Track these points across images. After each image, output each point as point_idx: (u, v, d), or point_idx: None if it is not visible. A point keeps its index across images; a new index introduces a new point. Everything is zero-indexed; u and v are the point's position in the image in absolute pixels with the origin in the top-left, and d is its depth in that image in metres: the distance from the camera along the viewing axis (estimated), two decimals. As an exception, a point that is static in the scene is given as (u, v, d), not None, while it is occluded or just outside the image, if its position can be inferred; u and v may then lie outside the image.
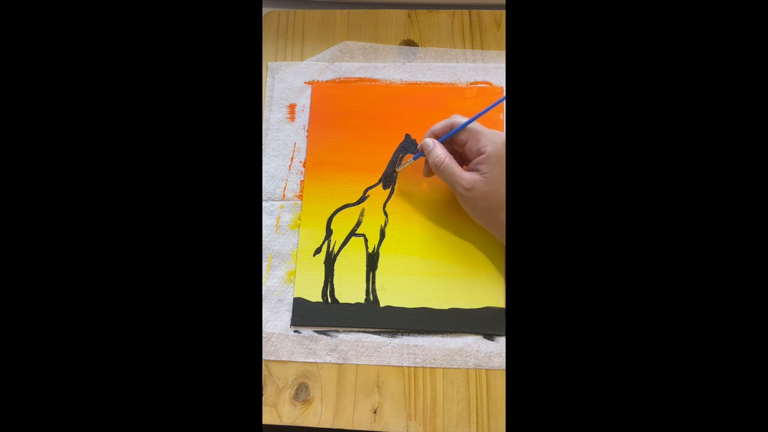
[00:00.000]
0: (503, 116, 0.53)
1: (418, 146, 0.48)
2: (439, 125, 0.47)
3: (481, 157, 0.44)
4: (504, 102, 0.50)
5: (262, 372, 0.46)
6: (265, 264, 0.49)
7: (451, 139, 0.47)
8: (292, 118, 0.54)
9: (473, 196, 0.44)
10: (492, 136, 0.44)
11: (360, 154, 0.52)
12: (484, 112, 0.45)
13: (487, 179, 0.43)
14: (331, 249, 0.49)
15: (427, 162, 0.48)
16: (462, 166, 0.45)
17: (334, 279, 0.48)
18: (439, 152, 0.46)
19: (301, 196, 0.51)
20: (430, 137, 0.48)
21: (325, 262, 0.49)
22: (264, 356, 0.46)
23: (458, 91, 0.54)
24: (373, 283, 0.48)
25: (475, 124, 0.45)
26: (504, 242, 0.46)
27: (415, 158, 0.49)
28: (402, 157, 0.51)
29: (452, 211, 0.48)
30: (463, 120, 0.45)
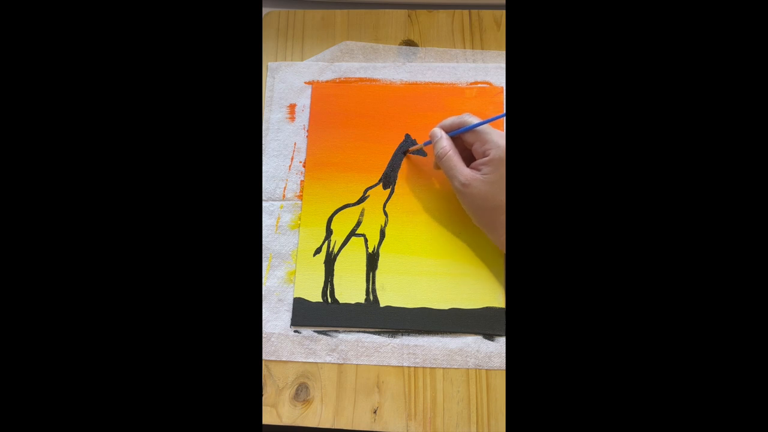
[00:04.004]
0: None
1: (429, 135, 0.49)
2: (449, 120, 0.48)
3: (485, 159, 0.44)
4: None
5: (262, 372, 0.46)
6: (265, 264, 0.49)
7: (460, 138, 0.47)
8: (292, 118, 0.54)
9: (468, 193, 0.44)
10: (499, 140, 0.44)
11: (360, 154, 0.52)
12: (498, 117, 0.45)
13: (485, 180, 0.43)
14: (331, 249, 0.49)
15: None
16: (468, 165, 0.46)
17: (334, 279, 0.48)
18: (444, 144, 0.46)
19: (301, 196, 0.51)
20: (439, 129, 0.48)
21: (325, 262, 0.49)
22: (264, 356, 0.46)
23: (458, 91, 0.54)
24: (373, 283, 0.48)
25: (483, 127, 0.45)
26: (498, 245, 0.46)
27: (425, 144, 0.50)
28: (400, 162, 0.51)
29: (452, 211, 0.48)
30: (474, 120, 0.46)
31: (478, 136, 0.45)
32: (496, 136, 0.44)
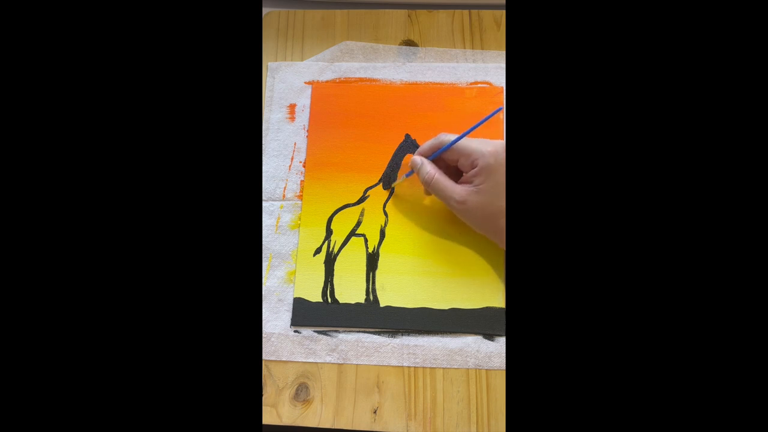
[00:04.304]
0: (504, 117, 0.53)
1: (409, 164, 0.48)
2: (426, 145, 0.48)
3: (474, 170, 0.44)
4: (497, 113, 0.50)
5: (262, 372, 0.46)
6: (265, 264, 0.49)
7: (443, 157, 0.47)
8: (292, 118, 0.54)
9: (466, 209, 0.44)
10: (482, 148, 0.44)
11: (360, 154, 0.52)
12: (470, 131, 0.45)
13: (480, 190, 0.43)
14: (331, 249, 0.49)
15: None
16: (458, 180, 0.46)
17: (334, 279, 0.48)
18: (428, 169, 0.46)
19: (301, 196, 0.51)
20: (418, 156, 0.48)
21: (325, 262, 0.49)
22: (264, 356, 0.46)
23: (458, 91, 0.54)
24: (373, 283, 0.48)
25: (462, 141, 0.45)
26: (502, 246, 0.46)
27: (407, 175, 0.49)
28: (400, 162, 0.51)
29: (452, 211, 0.48)
30: (450, 138, 0.46)
31: (460, 150, 0.45)
32: (479, 144, 0.44)
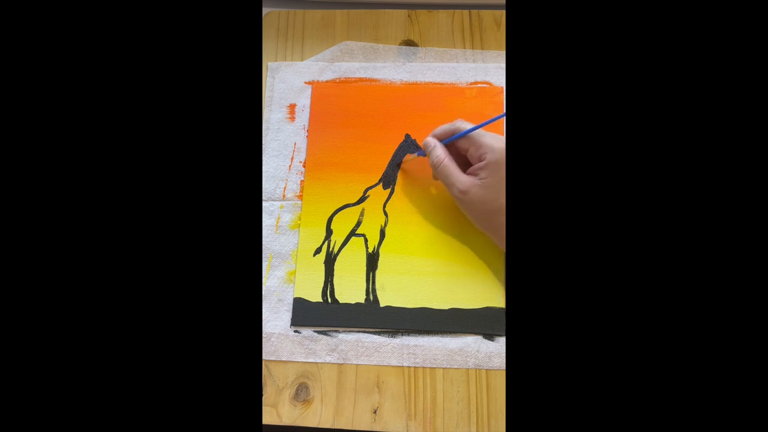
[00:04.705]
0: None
1: (422, 145, 0.49)
2: (441, 128, 0.48)
3: (481, 163, 0.44)
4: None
5: (262, 372, 0.46)
6: (265, 264, 0.49)
7: (455, 144, 0.47)
8: (292, 118, 0.54)
9: (468, 200, 0.44)
10: (493, 143, 0.43)
11: (360, 154, 0.52)
12: (490, 121, 0.45)
13: (483, 184, 0.43)
14: (331, 249, 0.49)
15: None
16: (465, 170, 0.46)
17: (334, 279, 0.48)
18: (439, 152, 0.46)
19: (301, 196, 0.51)
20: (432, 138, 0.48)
21: (325, 262, 0.49)
22: (264, 356, 0.46)
23: (458, 91, 0.54)
24: (373, 283, 0.48)
25: (476, 131, 0.45)
26: (502, 246, 0.46)
27: (418, 155, 0.50)
28: (401, 162, 0.51)
29: (452, 211, 0.48)
30: (466, 126, 0.45)
31: (472, 141, 0.45)
32: (491, 139, 0.44)
